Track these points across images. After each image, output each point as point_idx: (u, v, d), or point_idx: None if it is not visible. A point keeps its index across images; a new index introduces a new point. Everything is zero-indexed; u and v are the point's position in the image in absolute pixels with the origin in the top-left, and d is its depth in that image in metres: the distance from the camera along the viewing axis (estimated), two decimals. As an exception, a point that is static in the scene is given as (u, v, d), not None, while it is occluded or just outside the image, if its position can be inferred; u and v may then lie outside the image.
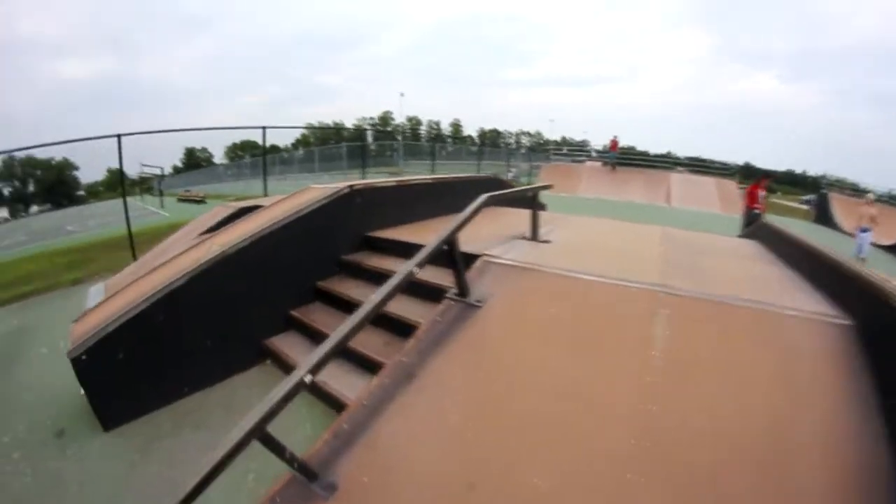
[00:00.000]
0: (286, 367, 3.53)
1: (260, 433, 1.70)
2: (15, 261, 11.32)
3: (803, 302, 2.52)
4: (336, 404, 3.03)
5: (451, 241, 2.72)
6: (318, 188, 4.61)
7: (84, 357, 3.06)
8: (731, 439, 1.71)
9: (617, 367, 2.16)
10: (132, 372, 3.24)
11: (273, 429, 3.19)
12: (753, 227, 7.03)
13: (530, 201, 3.90)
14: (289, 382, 1.79)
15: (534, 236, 3.95)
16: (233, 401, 3.44)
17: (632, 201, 17.01)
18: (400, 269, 2.38)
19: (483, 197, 3.16)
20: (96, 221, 20.03)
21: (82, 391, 3.74)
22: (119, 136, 8.11)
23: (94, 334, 3.09)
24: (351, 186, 4.52)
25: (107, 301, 3.69)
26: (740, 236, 7.03)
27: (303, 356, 3.50)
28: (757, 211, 9.19)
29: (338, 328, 2.03)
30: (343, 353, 3.51)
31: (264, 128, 10.35)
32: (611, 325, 2.44)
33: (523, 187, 3.86)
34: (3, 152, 7.47)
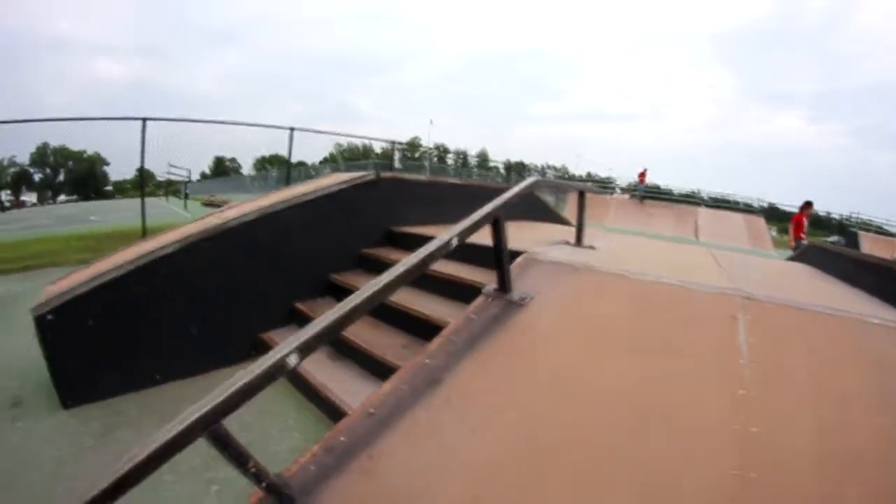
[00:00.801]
0: (301, 384, 3.00)
1: (209, 429, 1.14)
2: (32, 240, 11.35)
3: (882, 311, 2.23)
4: (335, 413, 2.48)
5: (497, 217, 2.19)
6: (342, 174, 4.20)
7: (49, 317, 2.58)
8: (846, 464, 1.34)
9: (698, 377, 1.68)
10: (102, 345, 2.75)
11: (248, 434, 2.70)
12: (799, 251, 6.62)
13: (579, 196, 3.36)
14: (265, 362, 1.23)
15: (578, 242, 3.40)
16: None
17: (660, 233, 16.49)
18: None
19: (533, 178, 2.68)
20: (118, 215, 20.26)
21: None
22: (144, 119, 7.99)
23: (63, 293, 2.60)
24: (377, 174, 4.06)
25: (89, 267, 3.22)
26: (788, 259, 6.63)
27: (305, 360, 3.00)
28: (803, 242, 8.61)
29: (348, 298, 1.49)
30: (349, 353, 3.02)
31: (292, 129, 10.18)
32: (683, 329, 1.97)
33: (571, 182, 3.33)
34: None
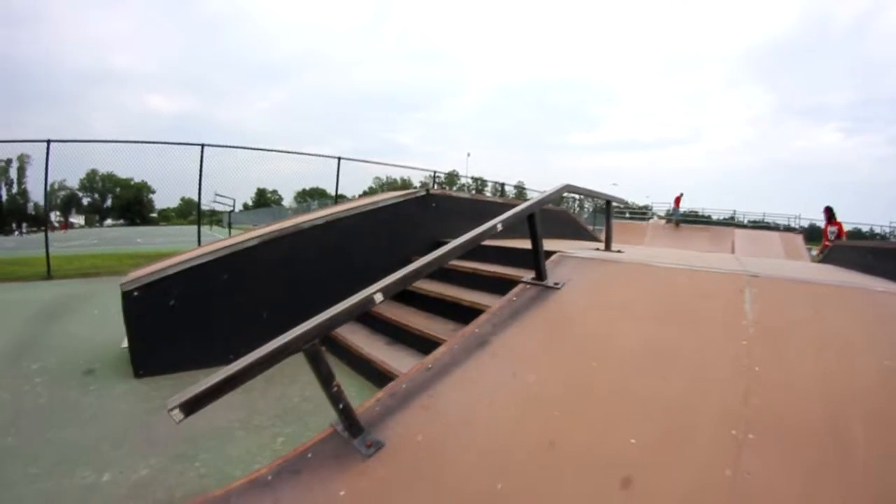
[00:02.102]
0: (342, 353, 3.31)
1: (310, 345, 1.46)
2: (85, 255, 12.32)
3: (892, 287, 2.34)
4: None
5: (532, 213, 2.51)
6: (397, 191, 4.65)
7: (136, 293, 2.97)
8: (844, 394, 1.51)
9: (707, 334, 1.91)
10: (180, 323, 3.11)
11: (311, 395, 2.96)
12: (825, 254, 6.54)
13: (605, 207, 3.66)
14: (358, 297, 1.55)
15: (607, 247, 3.67)
16: (277, 376, 3.17)
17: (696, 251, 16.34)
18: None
19: (564, 183, 2.99)
20: (164, 239, 21.57)
21: (123, 344, 3.73)
22: (203, 145, 8.74)
23: (151, 273, 3.01)
24: (427, 190, 4.49)
25: (173, 256, 3.66)
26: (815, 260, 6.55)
27: (364, 343, 3.35)
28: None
29: (417, 260, 1.81)
30: (405, 339, 3.33)
31: (339, 158, 10.86)
32: (696, 301, 2.21)
33: (599, 192, 3.65)
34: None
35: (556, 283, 2.51)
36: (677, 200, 19.81)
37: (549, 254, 2.99)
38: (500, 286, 2.92)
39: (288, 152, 10.65)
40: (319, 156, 11.07)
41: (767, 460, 1.28)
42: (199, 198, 9.17)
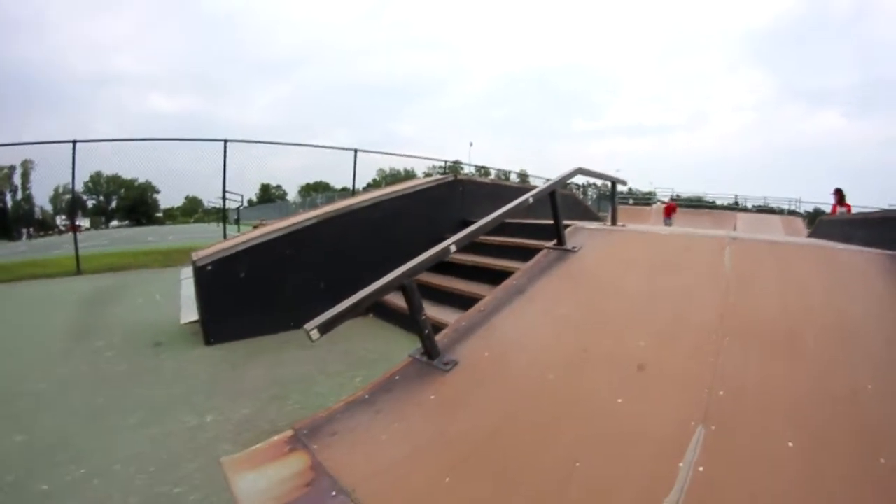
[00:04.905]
0: (392, 316, 3.81)
1: (406, 283, 1.99)
2: (102, 255, 12.63)
3: (855, 247, 2.77)
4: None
5: (553, 191, 3.04)
6: (429, 177, 5.22)
7: (209, 267, 3.47)
8: (798, 315, 1.97)
9: (695, 278, 2.41)
10: (248, 294, 3.63)
11: (373, 348, 3.45)
12: (814, 227, 6.74)
13: (611, 187, 4.20)
14: (437, 248, 2.09)
15: (613, 222, 4.21)
16: (335, 337, 3.71)
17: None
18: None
19: (577, 167, 3.52)
20: (174, 237, 22.00)
21: (183, 321, 4.20)
22: (225, 140, 9.19)
23: (224, 249, 3.52)
24: (455, 176, 5.08)
25: (232, 238, 4.18)
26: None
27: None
28: None
29: (472, 224, 2.34)
30: (447, 300, 3.89)
31: (356, 150, 11.15)
32: (685, 256, 2.72)
33: (606, 173, 4.17)
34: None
35: (573, 247, 3.05)
36: (668, 210, 18.02)
37: (566, 226, 3.53)
38: (524, 254, 3.45)
39: (305, 145, 11.32)
40: (335, 148, 11.46)
41: (738, 353, 1.77)
42: (224, 194, 9.63)
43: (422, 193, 4.66)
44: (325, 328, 1.84)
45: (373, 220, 4.22)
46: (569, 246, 3.09)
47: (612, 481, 1.30)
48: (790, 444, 1.29)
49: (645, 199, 29.26)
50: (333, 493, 1.39)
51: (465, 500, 1.32)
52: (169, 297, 5.48)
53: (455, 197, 5.01)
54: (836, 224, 4.94)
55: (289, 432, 1.79)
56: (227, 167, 9.54)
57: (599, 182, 4.17)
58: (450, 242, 2.13)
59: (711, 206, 26.32)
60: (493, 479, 1.38)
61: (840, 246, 2.67)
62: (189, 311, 4.26)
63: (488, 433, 1.60)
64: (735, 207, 24.60)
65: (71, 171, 8.69)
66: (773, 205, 25.24)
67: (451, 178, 4.99)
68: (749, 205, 25.47)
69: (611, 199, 4.18)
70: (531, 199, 2.75)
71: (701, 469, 1.24)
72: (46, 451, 2.27)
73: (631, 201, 26.52)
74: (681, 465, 1.26)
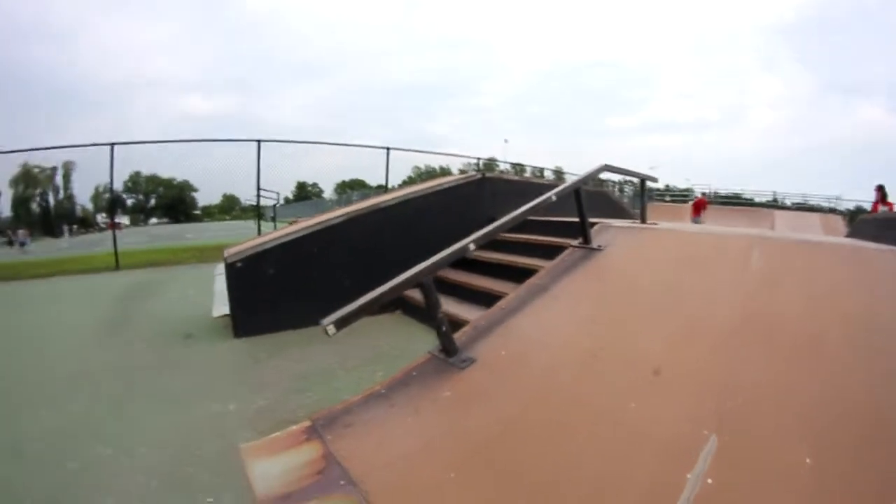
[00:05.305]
0: (417, 312, 3.83)
1: (423, 281, 1.98)
2: (141, 251, 13.26)
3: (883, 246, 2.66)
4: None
5: (578, 188, 2.98)
6: (457, 175, 5.24)
7: (239, 264, 3.58)
8: (827, 321, 1.85)
9: (720, 279, 2.33)
10: (276, 290, 3.72)
11: (394, 343, 3.49)
12: (852, 227, 6.40)
13: (640, 185, 4.08)
14: (455, 246, 2.08)
15: (643, 220, 4.08)
16: (360, 332, 3.78)
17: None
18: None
19: (602, 163, 3.43)
20: (212, 234, 22.85)
21: (214, 314, 4.33)
22: (259, 140, 9.46)
23: (253, 247, 3.62)
24: (483, 174, 5.07)
25: (260, 236, 4.30)
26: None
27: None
28: None
29: (495, 222, 2.32)
30: (472, 297, 3.87)
31: (388, 148, 11.29)
32: (714, 257, 2.63)
33: (635, 171, 4.06)
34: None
35: (599, 246, 2.98)
36: (696, 207, 16.33)
37: (592, 224, 3.45)
38: (549, 251, 3.39)
39: (338, 144, 11.41)
40: (368, 146, 11.57)
41: (759, 359, 1.68)
42: (258, 192, 9.91)
43: (450, 191, 4.67)
44: (341, 323, 1.86)
45: (401, 217, 4.25)
46: (594, 244, 3.02)
47: (617, 486, 1.27)
48: (808, 460, 1.21)
49: (682, 196, 28.45)
50: (342, 482, 1.41)
51: (468, 494, 1.32)
52: (202, 291, 5.66)
53: (483, 195, 5.00)
54: (870, 224, 4.65)
55: (306, 422, 1.82)
56: (261, 166, 9.85)
57: (636, 180, 4.06)
58: (469, 241, 2.11)
59: (749, 203, 25.31)
60: (498, 476, 1.38)
61: (877, 246, 2.52)
62: (221, 305, 4.40)
63: (498, 431, 1.59)
64: (773, 205, 23.58)
65: (109, 171, 9.05)
66: (813, 202, 24.09)
67: (479, 175, 5.00)
68: (788, 202, 24.37)
69: (640, 197, 4.06)
70: (554, 197, 2.71)
71: (709, 481, 1.18)
72: (77, 432, 2.39)
73: (668, 199, 25.83)
74: (689, 475, 1.21)
